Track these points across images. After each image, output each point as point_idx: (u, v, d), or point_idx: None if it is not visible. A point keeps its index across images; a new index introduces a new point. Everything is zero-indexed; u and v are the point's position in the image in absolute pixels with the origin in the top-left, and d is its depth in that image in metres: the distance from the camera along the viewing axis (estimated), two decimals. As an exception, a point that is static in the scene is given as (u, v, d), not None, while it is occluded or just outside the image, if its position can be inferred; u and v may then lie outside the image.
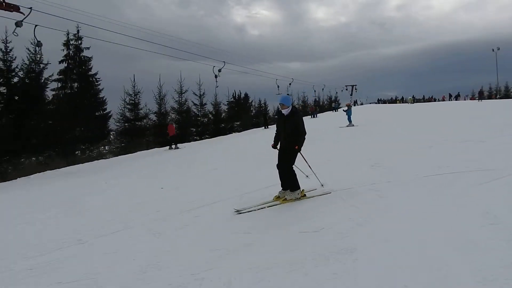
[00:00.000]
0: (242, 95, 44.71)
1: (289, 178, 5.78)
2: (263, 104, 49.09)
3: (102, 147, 28.01)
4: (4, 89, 22.33)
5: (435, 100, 70.39)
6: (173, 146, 21.35)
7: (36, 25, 14.48)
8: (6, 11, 13.68)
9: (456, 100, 60.15)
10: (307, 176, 6.45)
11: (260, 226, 4.80)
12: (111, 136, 28.80)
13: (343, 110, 23.67)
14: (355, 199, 5.47)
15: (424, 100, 74.24)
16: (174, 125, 23.34)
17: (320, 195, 5.95)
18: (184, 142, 26.26)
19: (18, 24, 13.61)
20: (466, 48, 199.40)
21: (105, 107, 28.10)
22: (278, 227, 4.65)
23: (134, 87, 29.53)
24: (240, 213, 5.43)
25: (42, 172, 16.31)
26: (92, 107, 27.02)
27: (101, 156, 23.69)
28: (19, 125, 21.03)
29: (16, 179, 15.44)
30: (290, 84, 44.50)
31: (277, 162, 5.90)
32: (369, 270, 3.06)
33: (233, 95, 42.04)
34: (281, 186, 5.91)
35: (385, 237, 3.75)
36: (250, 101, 46.20)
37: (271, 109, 49.53)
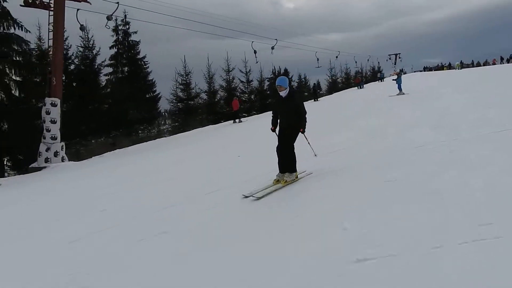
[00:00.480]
0: (282, 71, 44.96)
1: (290, 160, 5.73)
2: (303, 79, 49.17)
3: (157, 127, 29.44)
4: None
5: (484, 65, 67.13)
6: (237, 120, 22.62)
7: (78, 9, 15.39)
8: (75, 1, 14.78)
9: (508, 63, 57.12)
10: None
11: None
12: (165, 115, 30.14)
13: (392, 79, 23.43)
14: (427, 153, 5.94)
15: (473, 65, 70.99)
16: (238, 100, 24.27)
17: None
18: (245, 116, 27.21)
19: (109, 18, 14.77)
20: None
21: (154, 89, 29.47)
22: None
23: (185, 67, 30.79)
24: (247, 197, 5.31)
25: (112, 151, 17.64)
26: (142, 89, 28.36)
27: (159, 135, 24.99)
28: (79, 109, 22.62)
29: (91, 157, 16.82)
30: (336, 57, 44.11)
31: (277, 144, 5.83)
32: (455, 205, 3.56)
33: (272, 71, 42.31)
34: (279, 169, 5.81)
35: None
36: (289, 77, 46.39)
37: (309, 84, 49.69)
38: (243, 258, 3.31)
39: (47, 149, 15.26)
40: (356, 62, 57.96)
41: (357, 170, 5.78)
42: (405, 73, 72.13)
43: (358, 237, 3.18)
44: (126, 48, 28.51)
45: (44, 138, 15.28)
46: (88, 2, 15.44)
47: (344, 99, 27.35)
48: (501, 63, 58.72)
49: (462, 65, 63.65)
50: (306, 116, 5.79)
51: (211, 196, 5.78)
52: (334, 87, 50.86)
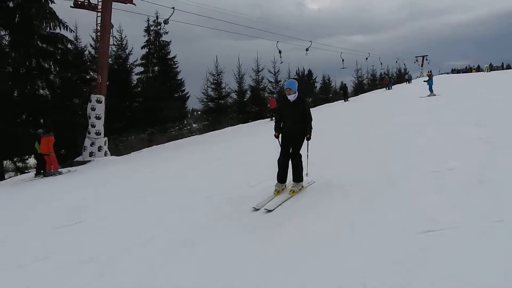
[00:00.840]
0: (306, 72, 45.49)
1: (299, 168, 5.51)
2: (327, 81, 49.51)
3: (189, 125, 30.47)
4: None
5: (515, 67, 66.12)
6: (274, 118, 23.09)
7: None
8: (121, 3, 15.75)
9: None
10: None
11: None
12: (195, 114, 31.09)
13: (424, 80, 23.93)
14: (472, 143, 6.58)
15: (503, 67, 69.95)
16: (275, 99, 25.06)
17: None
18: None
19: (165, 21, 15.81)
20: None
21: (183, 88, 30.45)
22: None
23: (217, 67, 31.73)
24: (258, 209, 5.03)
25: (150, 147, 18.54)
26: (171, 89, 29.34)
27: (191, 133, 25.92)
28: (115, 107, 23.67)
29: (130, 153, 17.74)
30: (366, 58, 44.37)
31: (281, 152, 5.59)
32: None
33: (296, 72, 42.89)
34: (278, 179, 5.58)
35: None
36: (314, 78, 46.90)
37: (334, 85, 50.13)
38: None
39: (92, 144, 16.22)
40: (381, 64, 58.11)
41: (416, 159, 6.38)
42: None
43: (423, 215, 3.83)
44: (157, 48, 29.56)
45: (89, 133, 16.25)
46: (133, 3, 16.42)
47: (375, 99, 27.76)
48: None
49: (492, 68, 62.92)
50: (312, 123, 5.54)
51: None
52: (361, 88, 51.17)
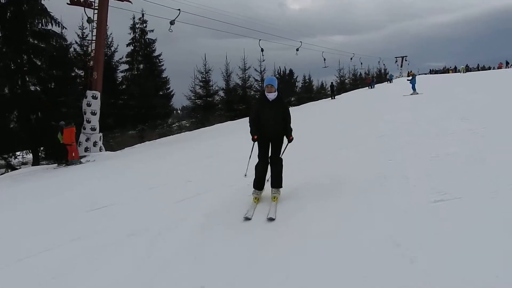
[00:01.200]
0: (287, 71, 46.43)
1: (281, 173, 5.21)
2: (307, 80, 50.75)
3: (177, 123, 31.01)
4: (82, 72, 25.28)
5: (489, 69, 69.24)
6: None
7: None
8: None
9: (514, 67, 59.22)
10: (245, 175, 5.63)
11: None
12: (179, 112, 31.60)
13: (407, 79, 25.45)
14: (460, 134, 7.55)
15: (478, 69, 73.04)
16: None
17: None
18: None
19: (172, 22, 16.49)
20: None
21: (168, 86, 30.93)
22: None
23: (205, 65, 32.36)
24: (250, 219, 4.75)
25: (143, 143, 19.12)
26: (156, 86, 29.78)
27: (180, 129, 26.52)
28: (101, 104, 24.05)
29: (123, 148, 18.27)
30: (351, 58, 45.79)
31: (260, 156, 5.24)
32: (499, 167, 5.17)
33: (278, 71, 43.78)
34: (257, 186, 5.26)
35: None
36: (295, 77, 47.92)
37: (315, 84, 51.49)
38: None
39: (87, 139, 16.69)
40: (362, 63, 59.98)
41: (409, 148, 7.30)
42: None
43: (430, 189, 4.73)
44: (142, 46, 29.95)
45: (84, 129, 16.70)
46: (130, 1, 16.99)
47: (360, 98, 29.00)
48: (506, 67, 60.86)
49: (468, 69, 65.76)
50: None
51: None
52: (343, 87, 52.66)
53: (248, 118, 5.37)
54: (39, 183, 10.68)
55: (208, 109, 30.89)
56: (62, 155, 14.28)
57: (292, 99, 40.41)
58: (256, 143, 5.26)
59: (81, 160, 14.39)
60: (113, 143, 22.23)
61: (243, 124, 19.73)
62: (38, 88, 19.22)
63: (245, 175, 5.58)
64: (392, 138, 8.71)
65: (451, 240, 3.33)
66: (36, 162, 18.61)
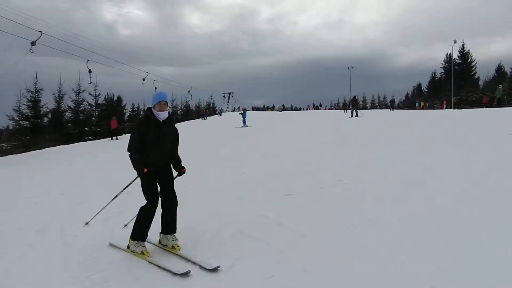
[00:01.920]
0: (115, 98, 45.63)
1: (176, 214, 4.18)
2: (135, 108, 50.87)
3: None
4: None
5: (300, 109, 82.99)
6: (114, 138, 25.02)
7: None
8: None
9: (318, 109, 72.53)
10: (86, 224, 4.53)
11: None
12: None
13: (239, 113, 29.50)
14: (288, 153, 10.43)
15: (292, 109, 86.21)
16: (116, 119, 25.86)
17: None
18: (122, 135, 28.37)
19: (33, 43, 15.65)
20: (327, 64, 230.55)
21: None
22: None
23: (36, 84, 30.17)
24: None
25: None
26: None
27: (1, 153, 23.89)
28: None
29: None
30: (189, 91, 47.93)
31: (150, 195, 4.02)
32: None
33: (105, 97, 42.58)
34: (141, 237, 4.06)
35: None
36: (123, 104, 47.17)
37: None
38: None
39: None
40: (191, 95, 63.78)
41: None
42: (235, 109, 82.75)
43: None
44: None
45: None
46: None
47: (194, 128, 31.10)
48: (313, 109, 73.90)
49: (283, 108, 77.02)
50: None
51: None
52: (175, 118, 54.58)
53: (126, 148, 4.04)
54: None
55: (37, 131, 28.65)
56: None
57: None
58: (141, 179, 4.02)
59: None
60: None
61: (97, 145, 19.71)
62: None
63: (87, 223, 4.51)
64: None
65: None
66: None
